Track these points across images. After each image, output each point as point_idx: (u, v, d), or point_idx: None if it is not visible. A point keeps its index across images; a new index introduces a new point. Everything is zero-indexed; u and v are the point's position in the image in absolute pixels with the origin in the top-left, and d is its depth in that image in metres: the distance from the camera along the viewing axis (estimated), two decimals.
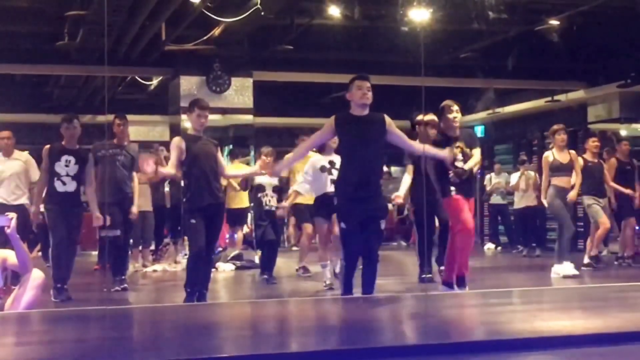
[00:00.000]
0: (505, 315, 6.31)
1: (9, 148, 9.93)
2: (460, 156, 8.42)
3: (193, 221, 7.89)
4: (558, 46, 14.09)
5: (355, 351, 4.66)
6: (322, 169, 9.52)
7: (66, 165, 8.85)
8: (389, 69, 15.64)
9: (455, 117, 8.53)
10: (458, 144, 8.45)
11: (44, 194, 9.01)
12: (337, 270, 9.00)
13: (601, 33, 14.23)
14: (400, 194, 9.77)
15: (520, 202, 15.47)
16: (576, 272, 10.39)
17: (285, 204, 10.73)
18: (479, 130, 19.65)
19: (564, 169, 10.74)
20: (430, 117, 9.71)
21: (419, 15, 12.15)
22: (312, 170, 9.64)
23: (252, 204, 10.93)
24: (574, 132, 17.42)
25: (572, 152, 11.15)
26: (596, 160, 12.03)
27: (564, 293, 8.55)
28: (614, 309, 6.54)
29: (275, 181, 10.70)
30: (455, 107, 8.59)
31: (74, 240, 9.04)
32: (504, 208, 16.86)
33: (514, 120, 18.79)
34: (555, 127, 10.95)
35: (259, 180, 10.64)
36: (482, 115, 18.55)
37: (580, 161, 11.47)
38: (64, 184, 8.82)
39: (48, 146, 9.05)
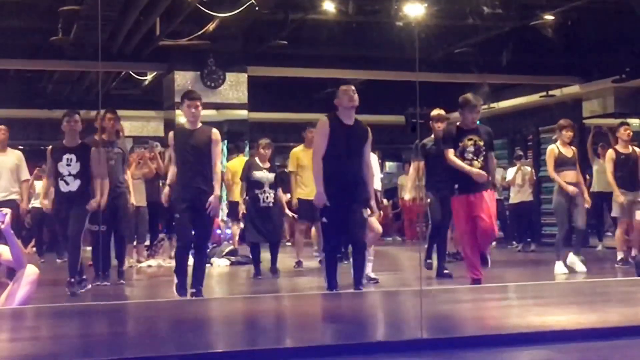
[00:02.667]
0: (500, 310, 6.32)
1: (4, 142, 9.97)
2: (471, 148, 8.40)
3: (177, 215, 7.98)
4: (553, 41, 14.11)
5: (351, 346, 4.66)
6: None
7: (68, 165, 8.78)
8: (383, 64, 15.64)
9: (475, 118, 8.56)
10: (471, 136, 8.43)
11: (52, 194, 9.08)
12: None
13: (596, 28, 14.24)
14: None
15: (515, 197, 15.45)
16: (566, 272, 10.30)
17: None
18: None
19: (569, 163, 10.46)
20: (437, 111, 9.84)
21: (414, 10, 12.14)
22: None
23: (246, 199, 10.76)
24: None
25: (574, 148, 10.81)
26: (629, 151, 11.25)
27: (559, 288, 8.57)
28: (609, 304, 6.55)
29: (272, 177, 10.60)
30: (479, 109, 8.60)
31: (78, 237, 8.97)
32: (499, 203, 16.84)
33: (509, 115, 18.78)
34: (563, 122, 10.66)
35: (257, 176, 10.54)
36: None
37: (612, 153, 11.19)
38: (67, 183, 8.76)
39: (50, 147, 9.03)
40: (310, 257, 12.17)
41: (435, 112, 9.94)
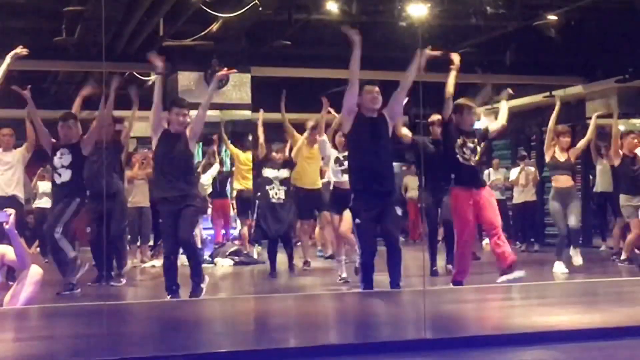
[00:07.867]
0: (503, 310, 6.33)
1: (9, 144, 10.39)
2: (470, 144, 8.46)
3: (161, 221, 8.02)
4: (556, 41, 14.07)
5: (354, 346, 4.67)
6: (336, 160, 9.82)
7: (60, 157, 9.07)
8: (387, 64, 15.60)
9: (473, 120, 8.73)
10: (470, 137, 8.55)
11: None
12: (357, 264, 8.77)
13: (599, 28, 14.21)
14: None
15: (519, 197, 15.45)
16: (566, 271, 10.37)
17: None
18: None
19: (563, 167, 10.70)
20: (437, 116, 10.05)
21: (417, 11, 12.14)
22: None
23: (258, 195, 10.92)
24: (572, 127, 17.41)
25: (569, 153, 10.91)
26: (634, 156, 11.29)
27: (562, 288, 8.58)
28: (612, 304, 6.55)
29: (284, 174, 10.73)
30: (476, 111, 8.84)
31: (57, 222, 8.96)
32: (502, 203, 16.82)
33: (512, 115, 18.66)
34: (560, 128, 10.96)
35: (266, 172, 10.69)
36: (480, 110, 18.50)
37: (620, 152, 11.23)
38: (60, 175, 9.04)
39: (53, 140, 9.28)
40: (315, 257, 12.18)
41: (434, 117, 10.27)
